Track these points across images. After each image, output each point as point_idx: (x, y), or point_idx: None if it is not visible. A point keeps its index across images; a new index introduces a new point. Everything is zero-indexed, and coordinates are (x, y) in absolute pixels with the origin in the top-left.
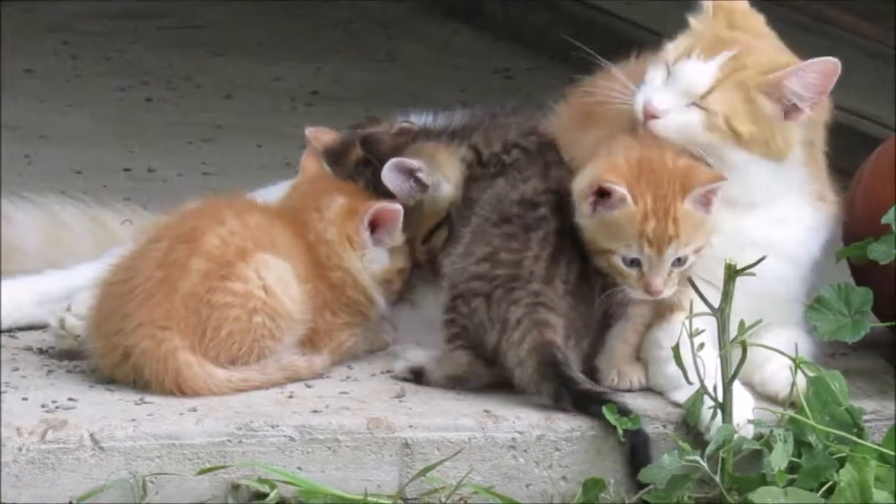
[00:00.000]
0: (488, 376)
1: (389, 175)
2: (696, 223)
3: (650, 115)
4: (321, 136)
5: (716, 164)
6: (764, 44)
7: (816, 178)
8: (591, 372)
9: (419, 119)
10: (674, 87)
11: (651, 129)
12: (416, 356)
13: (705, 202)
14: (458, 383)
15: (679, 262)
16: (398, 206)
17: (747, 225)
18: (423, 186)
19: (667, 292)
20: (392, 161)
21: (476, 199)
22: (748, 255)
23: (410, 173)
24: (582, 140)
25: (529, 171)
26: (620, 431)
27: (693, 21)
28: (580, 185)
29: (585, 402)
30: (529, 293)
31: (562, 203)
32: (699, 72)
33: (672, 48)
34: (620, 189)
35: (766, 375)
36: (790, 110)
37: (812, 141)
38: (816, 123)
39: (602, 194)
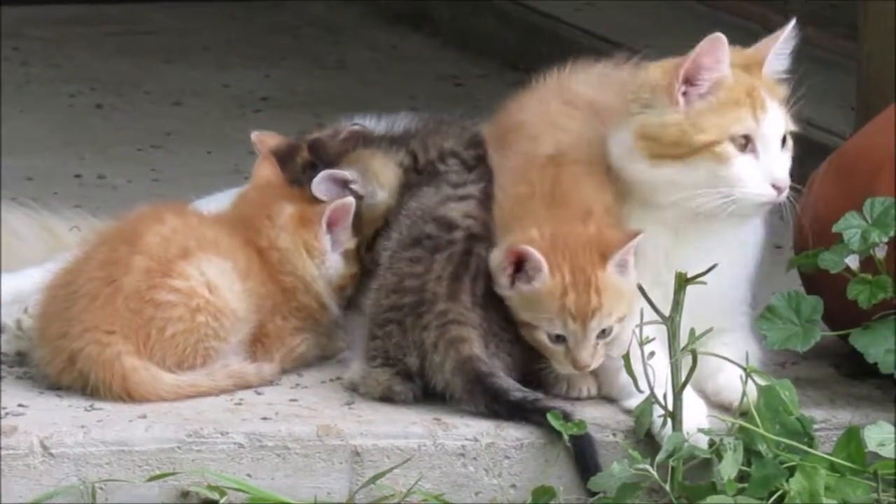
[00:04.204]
0: (408, 392)
1: (322, 187)
2: (618, 290)
3: (785, 188)
4: (267, 140)
5: None
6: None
7: None
8: (529, 375)
9: (367, 123)
10: (772, 149)
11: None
12: (354, 371)
13: (623, 265)
14: (384, 401)
15: (604, 333)
16: (350, 199)
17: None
18: (357, 196)
19: (595, 364)
20: (324, 173)
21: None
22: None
23: (345, 184)
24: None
25: (468, 190)
26: (566, 437)
27: (722, 93)
28: (496, 257)
29: (521, 412)
30: (437, 314)
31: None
32: (776, 118)
33: (728, 144)
34: (537, 255)
35: (719, 384)
36: None
37: None
38: None
39: (519, 267)
